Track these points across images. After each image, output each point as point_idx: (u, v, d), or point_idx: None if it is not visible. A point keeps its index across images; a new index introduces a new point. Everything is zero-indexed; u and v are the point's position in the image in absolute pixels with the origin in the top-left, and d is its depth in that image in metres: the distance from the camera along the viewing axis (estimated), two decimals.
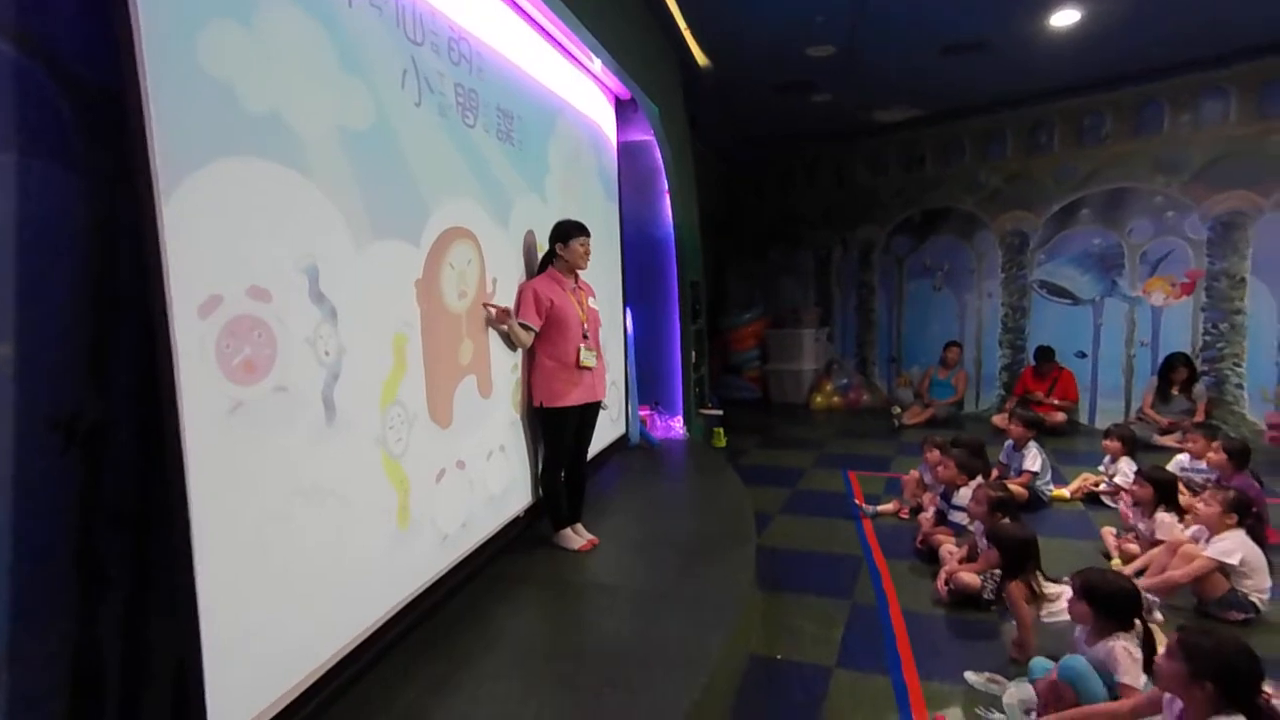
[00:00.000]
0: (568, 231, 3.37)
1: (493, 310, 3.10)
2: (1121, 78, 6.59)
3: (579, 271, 3.45)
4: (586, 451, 3.59)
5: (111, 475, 1.75)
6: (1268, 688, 1.80)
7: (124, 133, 1.54)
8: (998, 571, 3.23)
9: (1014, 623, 3.07)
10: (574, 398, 3.34)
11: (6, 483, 1.50)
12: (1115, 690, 2.23)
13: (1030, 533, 3.01)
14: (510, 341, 3.26)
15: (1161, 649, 2.00)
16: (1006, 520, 3.20)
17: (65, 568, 1.66)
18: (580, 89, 4.38)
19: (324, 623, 2.06)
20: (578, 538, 3.38)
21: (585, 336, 3.35)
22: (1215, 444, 4.09)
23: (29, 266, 1.53)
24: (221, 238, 1.71)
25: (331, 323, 2.08)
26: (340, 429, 2.11)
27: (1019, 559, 2.90)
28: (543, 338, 3.30)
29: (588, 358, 3.34)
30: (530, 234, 3.51)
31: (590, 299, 3.49)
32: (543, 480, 3.46)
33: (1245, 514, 3.15)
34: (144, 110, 1.52)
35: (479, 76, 3.07)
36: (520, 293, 3.32)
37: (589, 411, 3.47)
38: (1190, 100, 6.52)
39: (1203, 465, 4.35)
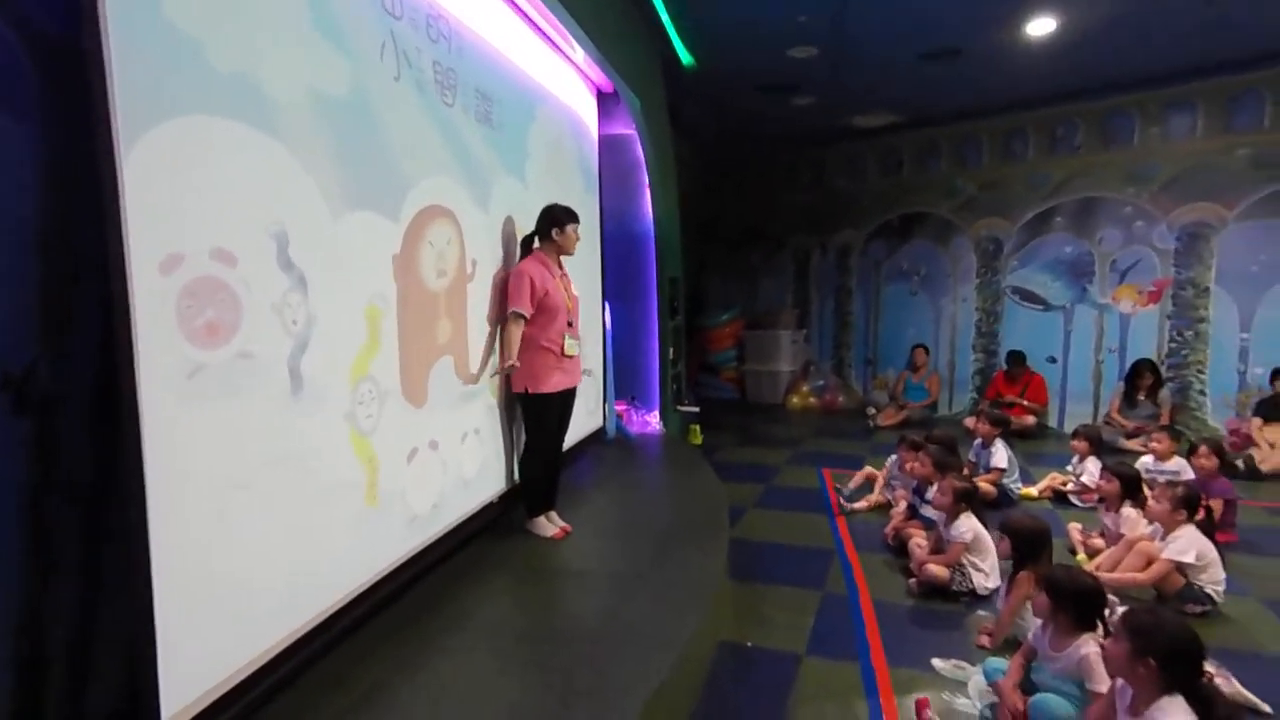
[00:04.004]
0: (562, 217, 3.33)
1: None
2: (1093, 89, 6.72)
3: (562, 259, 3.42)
4: (563, 439, 3.56)
5: (67, 446, 1.67)
6: (1209, 667, 1.79)
7: (84, 82, 1.49)
8: (965, 562, 3.28)
9: (980, 613, 3.11)
10: (555, 383, 3.31)
11: None
12: (1088, 696, 2.13)
13: (1044, 524, 2.90)
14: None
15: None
16: (1016, 515, 3.09)
17: (12, 543, 1.59)
18: (562, 77, 4.36)
19: (286, 597, 2.01)
20: (551, 525, 3.35)
21: (570, 324, 3.33)
22: (1203, 449, 4.18)
23: None
24: (183, 195, 1.67)
25: (300, 291, 2.04)
26: (307, 401, 2.06)
27: (1034, 548, 2.81)
28: (530, 324, 3.23)
29: (572, 346, 3.33)
30: (510, 220, 3.47)
31: (572, 286, 3.47)
32: (523, 466, 3.42)
33: (1194, 509, 3.21)
34: (104, 59, 1.48)
35: (458, 55, 3.04)
36: (515, 277, 3.22)
37: (568, 396, 3.45)
38: (1159, 113, 6.68)
39: (1166, 466, 4.44)
